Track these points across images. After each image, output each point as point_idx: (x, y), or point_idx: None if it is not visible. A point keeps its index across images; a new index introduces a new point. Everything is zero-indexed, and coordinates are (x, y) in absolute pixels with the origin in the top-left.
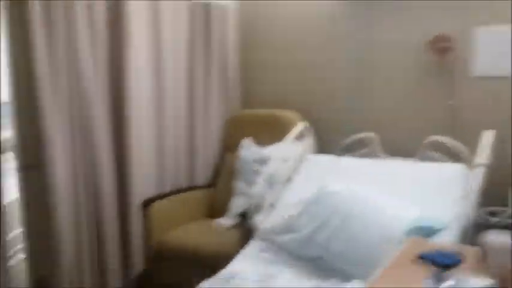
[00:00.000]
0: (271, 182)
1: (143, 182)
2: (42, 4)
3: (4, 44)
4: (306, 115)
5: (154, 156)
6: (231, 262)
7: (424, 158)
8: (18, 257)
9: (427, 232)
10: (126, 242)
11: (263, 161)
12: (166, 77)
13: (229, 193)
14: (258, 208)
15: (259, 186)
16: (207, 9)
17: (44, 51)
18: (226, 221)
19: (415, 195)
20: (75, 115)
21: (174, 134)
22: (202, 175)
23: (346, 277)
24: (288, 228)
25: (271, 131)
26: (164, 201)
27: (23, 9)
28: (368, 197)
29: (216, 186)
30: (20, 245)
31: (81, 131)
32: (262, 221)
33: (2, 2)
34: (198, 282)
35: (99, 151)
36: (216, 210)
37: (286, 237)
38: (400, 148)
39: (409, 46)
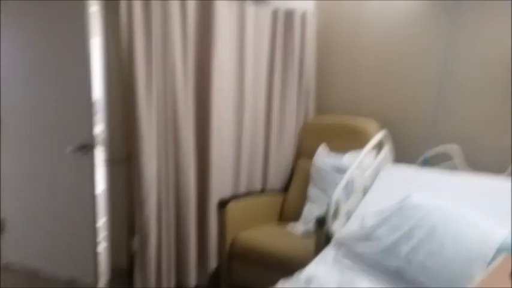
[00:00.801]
0: (348, 190)
1: (220, 184)
2: (141, 5)
3: (100, 43)
4: (383, 123)
5: (232, 160)
6: (306, 266)
7: None
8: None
9: None
10: (202, 240)
11: (339, 169)
12: (246, 81)
13: (301, 199)
14: (334, 215)
15: (336, 194)
16: (288, 13)
17: (142, 51)
18: (299, 226)
19: (503, 214)
20: (165, 115)
21: (250, 138)
22: (276, 180)
23: None
24: (366, 237)
25: (347, 139)
26: (239, 202)
27: (118, 10)
28: (455, 211)
29: (289, 192)
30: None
31: (169, 130)
32: (339, 229)
33: (99, 2)
34: (270, 283)
35: (184, 151)
36: (287, 214)
37: (364, 246)
38: (484, 164)
39: (498, 56)
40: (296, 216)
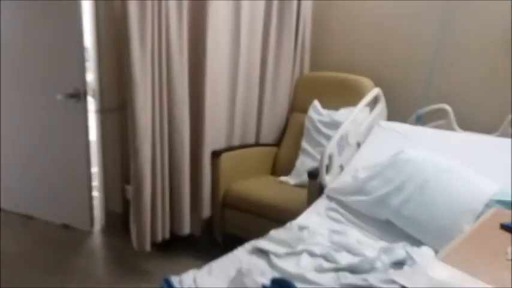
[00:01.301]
0: (342, 144)
1: (215, 135)
2: None
3: None
4: (377, 82)
5: (226, 112)
6: (298, 216)
7: (505, 135)
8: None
9: (507, 207)
10: (196, 189)
11: (333, 123)
12: (242, 34)
13: (294, 152)
14: (326, 168)
15: (330, 147)
16: None
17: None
18: (291, 179)
19: (494, 170)
20: (159, 65)
21: (245, 91)
22: (269, 133)
23: (415, 243)
24: (358, 189)
25: (341, 95)
26: (232, 153)
27: None
28: (447, 165)
29: (281, 145)
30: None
31: (164, 79)
32: (331, 181)
33: None
34: (262, 231)
35: (178, 101)
36: (280, 167)
37: (355, 198)
38: (476, 124)
39: (498, 16)
40: (288, 169)
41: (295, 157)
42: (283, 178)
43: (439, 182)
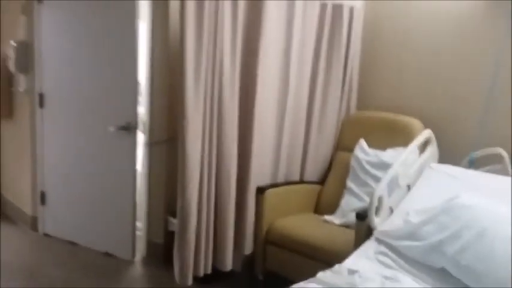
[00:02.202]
0: (392, 186)
1: (260, 172)
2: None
3: (147, 28)
4: (426, 122)
5: (272, 149)
6: (345, 258)
7: None
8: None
9: None
10: (240, 225)
11: (381, 164)
12: (291, 72)
13: (338, 191)
14: (375, 210)
15: (380, 189)
16: (336, 8)
17: (192, 38)
18: (335, 218)
19: None
20: (211, 101)
21: (291, 128)
22: (313, 171)
23: None
24: (410, 234)
25: (389, 135)
26: (276, 190)
27: None
28: (506, 214)
29: (326, 183)
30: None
31: (214, 115)
32: (381, 223)
33: None
34: (304, 271)
35: (228, 137)
36: (323, 206)
37: (407, 243)
38: None
39: None
40: (332, 208)
41: (339, 196)
42: (327, 217)
43: (498, 231)
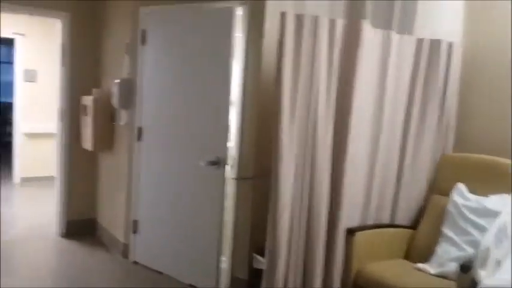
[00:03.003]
0: (499, 237)
1: (350, 213)
2: (293, 32)
3: (240, 65)
4: None
5: (363, 190)
6: None
7: None
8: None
9: None
10: (328, 266)
11: (483, 211)
12: (385, 111)
13: (432, 237)
14: (479, 262)
15: (487, 239)
16: (433, 43)
17: (289, 76)
18: (430, 267)
19: None
20: (305, 139)
21: (383, 169)
22: (405, 215)
23: None
24: None
25: (490, 180)
26: (367, 232)
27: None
28: None
29: (418, 229)
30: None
31: (307, 153)
32: (486, 277)
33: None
34: None
35: (319, 176)
36: (415, 252)
37: None
38: None
39: None
40: (425, 255)
41: (433, 243)
42: (420, 265)
43: None
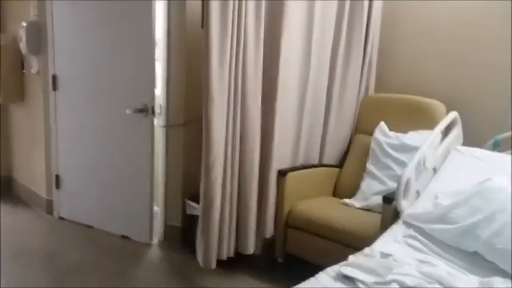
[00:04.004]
0: (418, 169)
1: (280, 155)
2: None
3: (163, 8)
4: (448, 105)
5: (293, 131)
6: (369, 241)
7: None
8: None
9: None
10: (261, 208)
11: (403, 147)
12: (312, 55)
13: (357, 174)
14: (401, 193)
15: (408, 172)
16: None
17: (217, 18)
18: (356, 201)
19: None
20: (235, 82)
21: (311, 110)
22: (332, 154)
23: (506, 276)
24: (440, 217)
25: (409, 117)
26: (297, 173)
27: None
28: None
29: (344, 167)
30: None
31: (238, 97)
32: (408, 207)
33: None
34: (326, 254)
35: (251, 119)
36: (342, 189)
37: (438, 226)
38: None
39: None
40: (351, 191)
41: (358, 179)
42: (347, 200)
43: None
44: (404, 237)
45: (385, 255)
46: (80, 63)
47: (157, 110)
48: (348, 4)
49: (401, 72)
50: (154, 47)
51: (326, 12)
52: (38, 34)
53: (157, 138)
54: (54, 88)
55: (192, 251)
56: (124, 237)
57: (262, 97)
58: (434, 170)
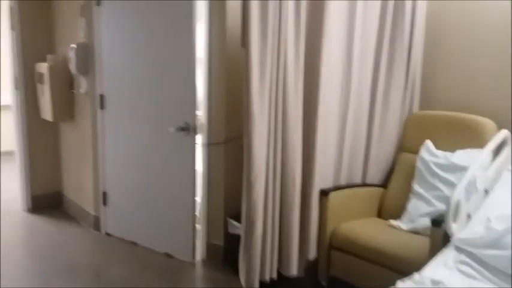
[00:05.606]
0: (469, 191)
1: (322, 174)
2: None
3: (204, 29)
4: (498, 123)
5: (335, 151)
6: (423, 267)
7: None
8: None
9: None
10: (304, 229)
11: (451, 167)
12: (353, 71)
13: (403, 194)
14: (450, 216)
15: (458, 193)
16: (398, 3)
17: (257, 37)
18: (402, 223)
19: None
20: (276, 102)
21: (353, 130)
22: (375, 173)
23: None
24: (494, 242)
25: (456, 136)
26: (340, 192)
27: None
28: None
29: (389, 187)
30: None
31: (279, 116)
32: (459, 230)
33: None
34: (372, 277)
35: (292, 138)
36: (387, 210)
37: (492, 252)
38: None
39: None
40: (397, 212)
41: (404, 199)
42: (393, 222)
43: None
44: (456, 262)
45: (435, 283)
46: (125, 83)
47: (198, 128)
48: (389, 18)
49: (448, 89)
50: (196, 66)
51: (367, 28)
52: (86, 55)
53: (199, 157)
54: (102, 107)
55: (235, 270)
56: (167, 255)
57: (303, 115)
58: (486, 192)
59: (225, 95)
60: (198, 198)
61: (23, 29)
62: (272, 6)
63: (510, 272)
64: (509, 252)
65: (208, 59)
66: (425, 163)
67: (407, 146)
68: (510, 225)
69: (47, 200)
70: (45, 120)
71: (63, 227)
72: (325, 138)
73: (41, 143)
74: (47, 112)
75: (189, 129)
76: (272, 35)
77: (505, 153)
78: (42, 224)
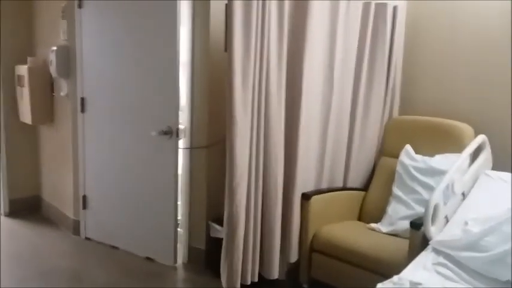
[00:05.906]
0: (446, 194)
1: (304, 178)
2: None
3: (187, 32)
4: (476, 127)
5: (316, 155)
6: (401, 269)
7: None
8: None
9: None
10: (285, 232)
11: (430, 171)
12: (335, 76)
13: (383, 198)
14: (429, 218)
15: (436, 196)
16: (379, 7)
17: (240, 44)
18: (382, 226)
19: None
20: (258, 106)
21: (335, 134)
22: (356, 177)
23: None
24: (471, 245)
25: (435, 140)
26: (321, 196)
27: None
28: None
29: (369, 190)
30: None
31: (261, 120)
32: (436, 233)
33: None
34: (352, 280)
35: (274, 143)
36: (367, 213)
37: (469, 254)
38: None
39: None
40: (377, 215)
41: (384, 203)
42: (373, 225)
43: None
44: (434, 264)
45: (414, 284)
46: (107, 87)
47: (181, 132)
48: (370, 23)
49: (427, 94)
50: (179, 69)
51: (348, 33)
52: (67, 58)
53: (181, 160)
54: (83, 110)
55: (216, 274)
56: (148, 259)
57: (285, 120)
58: (463, 195)
59: (207, 99)
60: (180, 202)
61: (3, 31)
62: (255, 10)
63: (486, 274)
64: (486, 254)
65: (191, 63)
66: (405, 167)
67: (387, 150)
68: (486, 227)
69: (25, 204)
70: (25, 123)
71: (42, 231)
72: (307, 142)
73: (20, 146)
74: (26, 115)
75: (171, 133)
76: (255, 39)
77: (482, 157)
78: (20, 228)
